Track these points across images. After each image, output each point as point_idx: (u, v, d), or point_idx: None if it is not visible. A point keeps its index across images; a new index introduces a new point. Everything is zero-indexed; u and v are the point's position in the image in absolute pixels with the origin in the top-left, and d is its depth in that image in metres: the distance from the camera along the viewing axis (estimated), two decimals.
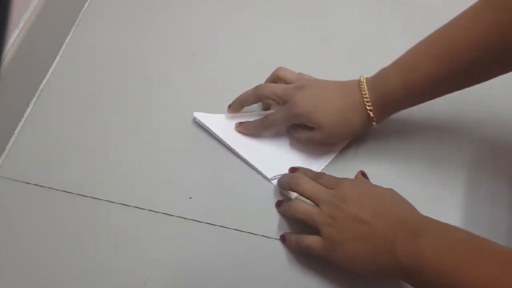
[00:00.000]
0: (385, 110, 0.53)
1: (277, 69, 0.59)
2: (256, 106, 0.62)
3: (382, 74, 0.52)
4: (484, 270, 0.39)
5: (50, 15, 0.65)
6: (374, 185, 0.50)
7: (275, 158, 0.58)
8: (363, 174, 0.54)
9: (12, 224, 0.56)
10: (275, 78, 0.59)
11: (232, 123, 0.60)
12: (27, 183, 0.58)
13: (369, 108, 0.52)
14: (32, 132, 0.62)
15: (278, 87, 0.56)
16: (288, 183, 0.53)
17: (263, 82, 0.60)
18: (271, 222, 0.55)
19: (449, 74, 0.48)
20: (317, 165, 0.57)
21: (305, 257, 0.53)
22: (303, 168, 0.55)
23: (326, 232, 0.47)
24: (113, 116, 0.63)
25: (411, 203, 0.47)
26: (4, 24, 0.23)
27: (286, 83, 0.57)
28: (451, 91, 0.51)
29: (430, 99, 0.52)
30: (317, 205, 0.49)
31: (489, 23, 0.45)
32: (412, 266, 0.42)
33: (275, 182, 0.57)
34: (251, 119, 0.60)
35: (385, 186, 0.49)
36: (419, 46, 0.51)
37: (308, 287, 0.52)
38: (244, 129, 0.59)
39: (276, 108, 0.59)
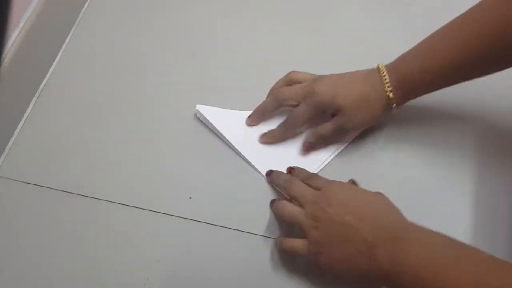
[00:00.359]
0: (403, 93, 0.53)
1: (290, 73, 0.59)
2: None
3: (401, 59, 0.53)
4: (463, 277, 0.38)
5: (50, 15, 0.65)
6: (363, 189, 0.50)
7: (274, 157, 0.58)
8: (354, 183, 0.53)
9: (12, 224, 0.56)
10: (289, 82, 0.58)
11: (234, 119, 0.60)
12: (27, 183, 0.59)
13: (389, 89, 0.52)
14: (32, 132, 0.62)
15: (296, 87, 0.56)
16: (281, 185, 0.54)
17: (263, 82, 0.60)
18: (271, 222, 0.55)
19: (462, 64, 0.49)
20: (316, 165, 0.57)
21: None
22: (298, 167, 0.55)
23: (310, 234, 0.47)
24: (113, 116, 0.63)
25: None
26: (4, 24, 0.23)
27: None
28: (467, 79, 0.52)
29: (447, 85, 0.53)
30: (302, 205, 0.49)
31: (500, 18, 0.46)
32: (392, 270, 0.41)
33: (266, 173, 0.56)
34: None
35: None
36: (436, 35, 0.52)
37: (307, 287, 0.52)
38: (270, 138, 0.59)
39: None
